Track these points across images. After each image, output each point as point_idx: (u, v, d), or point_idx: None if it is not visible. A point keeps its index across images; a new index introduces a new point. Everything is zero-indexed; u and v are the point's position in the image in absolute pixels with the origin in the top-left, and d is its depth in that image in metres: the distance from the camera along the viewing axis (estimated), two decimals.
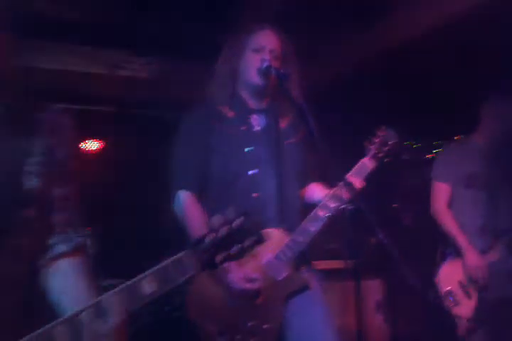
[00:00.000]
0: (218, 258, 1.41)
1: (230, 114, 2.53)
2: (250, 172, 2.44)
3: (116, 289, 1.36)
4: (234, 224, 1.41)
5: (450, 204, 3.49)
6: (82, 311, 1.34)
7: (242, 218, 1.42)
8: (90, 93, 4.04)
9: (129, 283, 1.37)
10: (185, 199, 2.43)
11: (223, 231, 1.40)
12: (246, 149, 2.47)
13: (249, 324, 2.28)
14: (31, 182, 1.53)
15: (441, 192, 3.50)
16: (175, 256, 1.40)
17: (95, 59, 4.02)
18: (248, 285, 2.25)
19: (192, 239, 1.44)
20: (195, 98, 2.63)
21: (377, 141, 2.47)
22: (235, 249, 1.41)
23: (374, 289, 4.20)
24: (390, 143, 2.48)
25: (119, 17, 3.67)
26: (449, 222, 3.42)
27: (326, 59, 4.09)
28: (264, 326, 2.29)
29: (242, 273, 2.26)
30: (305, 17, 3.60)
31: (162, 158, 2.58)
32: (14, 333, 1.39)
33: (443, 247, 3.47)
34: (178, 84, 4.09)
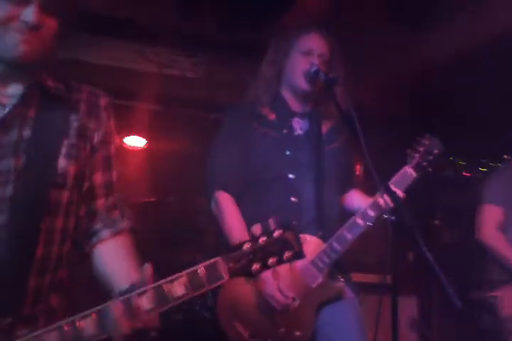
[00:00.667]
0: (254, 267, 1.38)
1: (272, 116, 2.50)
2: (290, 176, 2.41)
3: (145, 288, 1.34)
4: (274, 236, 1.39)
5: (503, 229, 3.30)
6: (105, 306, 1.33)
7: (282, 230, 1.39)
8: (137, 90, 4.08)
9: (159, 283, 1.36)
10: (223, 201, 2.41)
11: (262, 241, 1.38)
12: (287, 152, 2.44)
13: (281, 330, 2.25)
14: (66, 165, 1.52)
15: (491, 216, 3.31)
16: (209, 261, 1.38)
17: (144, 56, 4.07)
18: (282, 300, 2.22)
19: (229, 245, 1.42)
20: (239, 99, 2.62)
21: (421, 149, 2.40)
22: (272, 260, 1.39)
23: (409, 305, 4.10)
24: (434, 152, 2.40)
25: (170, 16, 3.70)
26: (502, 247, 3.25)
27: (374, 66, 4.02)
28: (296, 333, 2.26)
29: (277, 287, 2.23)
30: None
31: (204, 157, 2.58)
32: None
33: (491, 269, 3.33)
34: (225, 84, 4.10)
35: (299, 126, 2.52)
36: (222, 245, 2.43)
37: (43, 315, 1.46)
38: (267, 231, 1.39)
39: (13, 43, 1.42)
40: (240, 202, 2.43)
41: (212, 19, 3.57)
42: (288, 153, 2.44)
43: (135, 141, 4.85)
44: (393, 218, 2.04)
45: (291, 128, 2.50)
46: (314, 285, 2.27)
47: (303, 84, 2.43)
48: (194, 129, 4.52)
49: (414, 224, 1.91)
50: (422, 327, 4.11)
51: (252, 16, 3.49)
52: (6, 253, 1.40)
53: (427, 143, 2.40)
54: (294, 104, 2.54)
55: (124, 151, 4.71)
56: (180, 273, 1.36)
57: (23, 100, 1.50)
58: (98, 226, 1.62)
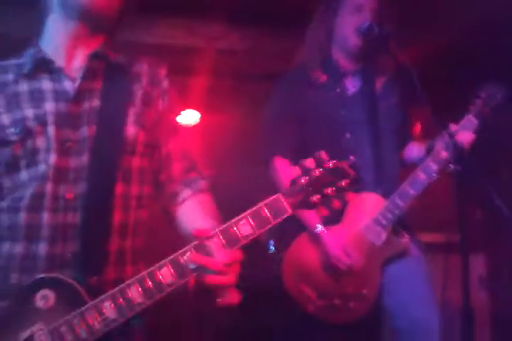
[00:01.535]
0: (314, 198, 1.39)
1: (323, 78, 2.48)
2: (347, 136, 2.39)
3: (214, 231, 1.39)
4: (326, 166, 1.39)
5: None
6: (182, 253, 1.38)
7: (334, 160, 1.40)
8: (187, 65, 4.11)
9: (225, 225, 1.39)
10: (280, 165, 2.43)
11: (316, 172, 1.39)
12: (342, 112, 2.42)
13: (348, 289, 2.27)
14: (135, 132, 1.58)
15: None
16: (270, 198, 1.40)
17: (193, 32, 4.08)
18: (345, 259, 2.23)
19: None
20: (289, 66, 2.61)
21: (483, 95, 2.33)
22: (330, 190, 1.39)
23: (477, 264, 4.03)
24: (498, 97, 2.31)
25: None
26: None
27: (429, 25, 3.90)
28: (363, 291, 2.27)
29: (340, 244, 2.23)
30: None
31: (258, 128, 2.59)
32: None
33: None
34: (275, 55, 4.06)
35: (351, 84, 2.49)
36: None
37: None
38: (320, 163, 1.39)
39: None
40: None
41: None
42: (343, 112, 2.42)
43: (189, 116, 4.91)
44: (458, 168, 1.99)
45: (344, 88, 2.47)
46: (379, 243, 2.27)
47: (356, 40, 2.39)
48: (247, 101, 4.52)
49: (482, 174, 1.86)
50: (492, 285, 4.03)
51: None
52: (88, 218, 1.47)
53: (489, 88, 2.32)
54: (345, 63, 2.50)
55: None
56: (244, 214, 1.39)
57: (90, 73, 1.57)
58: (179, 187, 1.67)
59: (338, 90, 2.45)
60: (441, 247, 3.38)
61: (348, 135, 2.39)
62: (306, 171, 1.39)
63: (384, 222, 2.27)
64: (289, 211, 1.39)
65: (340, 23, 2.45)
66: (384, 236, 2.27)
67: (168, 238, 1.71)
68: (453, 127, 2.27)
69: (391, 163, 2.44)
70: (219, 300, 1.42)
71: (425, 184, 2.27)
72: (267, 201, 1.39)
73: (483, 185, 1.85)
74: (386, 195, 2.31)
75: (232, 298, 1.41)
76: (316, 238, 2.29)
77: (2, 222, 1.50)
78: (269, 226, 1.39)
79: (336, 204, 1.41)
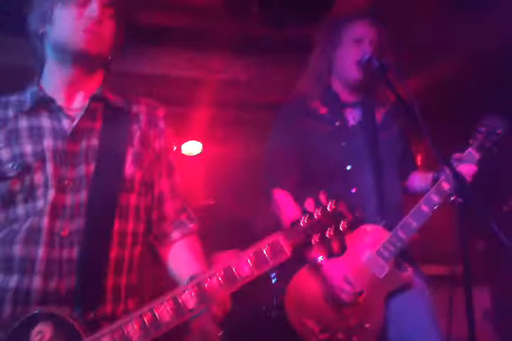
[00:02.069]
0: (314, 240, 1.44)
1: (323, 109, 2.49)
2: (348, 168, 2.39)
3: (215, 270, 1.41)
4: (328, 207, 1.44)
5: None
6: (184, 291, 1.40)
7: (334, 201, 1.45)
8: (190, 96, 4.15)
9: (224, 265, 1.42)
10: (280, 198, 2.43)
11: (318, 213, 1.44)
12: (342, 144, 2.42)
13: (351, 322, 2.23)
14: (133, 171, 1.62)
15: None
16: (270, 239, 1.43)
17: (195, 63, 4.14)
18: (348, 289, 2.21)
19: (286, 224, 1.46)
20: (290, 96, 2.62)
21: (483, 129, 2.34)
22: (329, 232, 1.44)
23: (481, 296, 3.97)
24: (498, 132, 2.33)
25: (218, 21, 3.75)
26: None
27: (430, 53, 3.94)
28: (366, 325, 2.23)
29: (342, 274, 2.21)
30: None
31: (260, 158, 2.60)
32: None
33: None
34: (277, 85, 4.11)
35: (351, 116, 2.50)
36: None
37: (123, 315, 1.51)
38: (319, 205, 1.45)
39: (80, 41, 1.57)
40: (299, 197, 2.42)
41: (260, 20, 3.59)
42: (343, 144, 2.42)
43: (192, 147, 4.93)
44: (460, 200, 1.98)
45: (344, 120, 2.48)
46: (381, 276, 2.25)
47: (356, 73, 2.41)
48: (249, 131, 4.55)
49: (483, 205, 1.85)
50: (497, 318, 3.97)
51: (300, 15, 3.50)
52: (85, 254, 1.48)
53: (489, 123, 2.34)
54: (345, 95, 2.52)
55: (182, 158, 4.79)
56: (244, 254, 1.42)
57: (89, 113, 1.63)
58: (169, 228, 1.71)
59: (338, 122, 2.46)
60: (445, 280, 3.34)
61: (349, 166, 2.39)
62: (306, 213, 1.44)
63: (386, 254, 2.25)
64: (288, 253, 1.43)
65: (340, 55, 2.47)
66: (386, 268, 2.25)
67: (152, 274, 1.73)
68: (454, 160, 2.28)
69: (393, 193, 2.42)
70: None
71: (427, 216, 2.26)
72: (267, 242, 1.43)
73: (485, 217, 1.84)
74: (389, 225, 2.30)
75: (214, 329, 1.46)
76: (317, 269, 2.27)
77: None
78: (268, 268, 1.42)
79: (335, 245, 1.46)
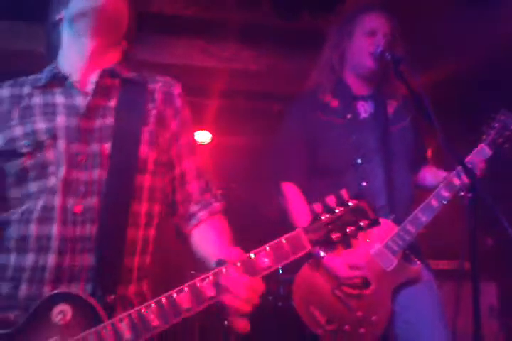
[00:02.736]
0: (334, 236, 1.42)
1: (334, 102, 2.48)
2: (358, 161, 2.39)
3: (235, 262, 1.40)
4: (350, 205, 1.43)
5: None
6: (203, 279, 1.39)
7: (357, 200, 1.43)
8: (202, 85, 4.15)
9: (246, 256, 1.41)
10: (288, 191, 2.43)
11: (339, 211, 1.42)
12: (352, 137, 2.41)
13: (358, 314, 2.24)
14: (148, 151, 1.59)
15: None
16: (290, 233, 1.43)
17: (207, 52, 4.13)
18: (352, 273, 2.22)
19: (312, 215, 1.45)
20: (301, 88, 2.61)
21: (496, 125, 2.33)
22: (350, 229, 1.43)
23: (488, 292, 3.97)
24: (511, 127, 2.32)
25: (229, 10, 3.74)
26: None
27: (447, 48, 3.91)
28: (373, 317, 2.24)
29: (345, 260, 2.22)
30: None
31: (268, 149, 2.60)
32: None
33: None
34: (288, 75, 4.10)
35: (363, 109, 2.49)
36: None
37: (135, 298, 1.53)
38: (341, 202, 1.43)
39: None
40: (309, 190, 2.43)
41: (272, 9, 3.58)
42: (354, 137, 2.41)
43: (202, 136, 4.93)
44: (470, 195, 1.97)
45: (355, 113, 2.47)
46: (389, 269, 2.25)
47: (370, 65, 2.39)
48: (259, 121, 4.55)
49: (493, 200, 1.85)
50: (503, 314, 3.97)
51: (313, 5, 3.48)
52: (101, 234, 1.47)
53: (502, 118, 2.33)
54: (357, 87, 2.51)
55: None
56: (264, 246, 1.41)
57: (102, 90, 1.60)
58: (195, 208, 1.67)
59: (349, 115, 2.45)
60: (452, 274, 3.34)
61: (359, 160, 2.38)
62: (327, 209, 1.43)
63: (395, 247, 2.25)
64: (308, 247, 1.42)
65: (353, 47, 2.46)
66: (395, 262, 2.25)
67: (175, 256, 1.72)
68: (466, 155, 2.28)
69: (404, 186, 2.41)
70: (227, 322, 1.43)
71: (436, 210, 2.26)
72: (287, 236, 1.42)
73: (494, 213, 1.83)
74: (398, 218, 2.30)
75: (242, 326, 1.41)
76: (318, 263, 2.28)
77: (10, 234, 1.50)
78: (288, 261, 1.41)
79: (353, 243, 1.45)
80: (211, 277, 1.38)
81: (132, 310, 1.36)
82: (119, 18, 1.63)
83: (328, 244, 1.43)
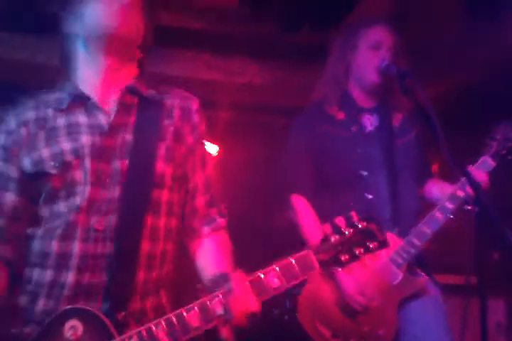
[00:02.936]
0: (343, 258, 1.45)
1: (340, 115, 2.48)
2: (363, 174, 2.38)
3: (245, 281, 1.43)
4: (359, 227, 1.46)
5: None
6: (212, 298, 1.42)
7: (366, 221, 1.47)
8: (207, 99, 4.16)
9: (255, 275, 1.43)
10: (297, 204, 2.43)
11: (349, 232, 1.45)
12: (358, 150, 2.42)
13: (364, 329, 2.23)
14: (164, 166, 1.61)
15: None
16: (299, 253, 1.45)
17: (213, 65, 4.16)
18: (359, 298, 2.21)
19: (319, 238, 1.48)
20: (307, 102, 2.62)
21: (498, 137, 2.32)
22: (359, 250, 1.45)
23: (495, 309, 3.92)
24: None
25: (236, 24, 3.77)
26: None
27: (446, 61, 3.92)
28: (379, 331, 2.23)
29: (356, 285, 2.22)
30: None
31: (275, 162, 2.60)
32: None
33: None
34: (293, 89, 4.11)
35: (369, 122, 2.49)
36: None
37: (152, 310, 1.55)
38: (350, 223, 1.46)
39: (110, 16, 1.58)
40: (315, 202, 2.43)
41: (277, 24, 3.60)
42: (359, 150, 2.42)
43: (208, 149, 4.93)
44: (476, 209, 1.96)
45: (361, 126, 2.48)
46: (395, 283, 2.24)
47: (375, 78, 2.40)
48: (264, 135, 4.55)
49: (498, 214, 1.83)
50: (510, 331, 3.92)
51: (319, 19, 3.50)
52: (117, 250, 1.50)
53: (504, 129, 2.32)
54: (363, 100, 2.52)
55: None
56: (273, 266, 1.44)
57: (123, 107, 1.63)
58: (198, 223, 1.71)
59: (354, 128, 2.45)
60: (460, 289, 3.30)
61: (364, 173, 2.38)
62: (337, 230, 1.46)
63: (400, 260, 2.24)
64: (317, 268, 1.45)
65: (358, 60, 2.46)
66: (400, 275, 2.24)
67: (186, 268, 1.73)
68: (469, 167, 2.27)
69: (409, 199, 2.41)
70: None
71: (441, 223, 2.25)
72: (296, 256, 1.45)
73: (500, 227, 1.81)
74: (404, 232, 2.29)
75: (226, 334, 1.42)
76: (331, 277, 2.26)
77: (33, 248, 1.54)
78: (297, 282, 1.44)
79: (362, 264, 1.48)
80: (221, 296, 1.41)
81: (142, 328, 1.38)
82: (134, 37, 1.65)
83: (336, 265, 1.46)
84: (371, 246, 1.45)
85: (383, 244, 1.46)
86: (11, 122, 1.62)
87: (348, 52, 2.48)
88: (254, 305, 1.40)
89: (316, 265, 1.44)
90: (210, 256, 1.67)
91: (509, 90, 3.70)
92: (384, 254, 2.24)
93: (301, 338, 2.29)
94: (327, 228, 1.45)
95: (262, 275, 1.43)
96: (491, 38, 3.58)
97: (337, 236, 1.45)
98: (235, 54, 4.07)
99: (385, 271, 2.24)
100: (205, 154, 1.76)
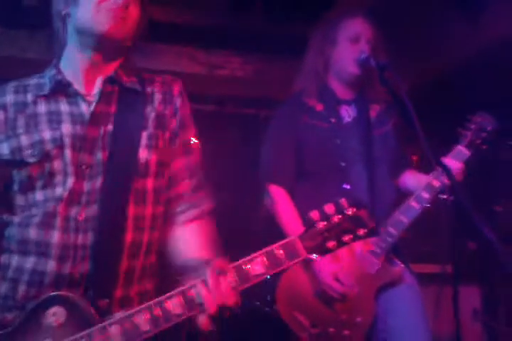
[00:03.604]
0: (330, 244, 1.43)
1: (319, 106, 2.51)
2: (342, 164, 2.42)
3: (227, 268, 1.42)
4: (348, 213, 1.43)
5: None
6: (192, 287, 1.42)
7: (355, 208, 1.43)
8: (190, 92, 4.17)
9: (238, 262, 1.43)
10: (276, 194, 2.46)
11: (337, 218, 1.42)
12: (337, 141, 2.45)
13: (342, 317, 2.26)
14: (148, 154, 1.60)
15: None
16: (285, 240, 1.43)
17: (195, 59, 4.16)
18: (336, 285, 2.24)
19: (304, 223, 1.45)
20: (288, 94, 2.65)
21: (473, 127, 2.35)
22: (347, 237, 1.42)
23: (470, 295, 4.00)
24: (488, 129, 2.34)
25: (218, 18, 3.78)
26: None
27: (425, 52, 3.97)
28: (357, 319, 2.26)
29: (332, 272, 2.25)
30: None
31: (259, 155, 2.62)
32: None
33: None
34: (275, 82, 4.13)
35: (347, 113, 2.53)
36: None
37: (137, 297, 1.56)
38: (339, 210, 1.42)
39: (104, 21, 1.54)
40: (294, 193, 2.47)
41: (259, 17, 3.62)
42: (338, 141, 2.45)
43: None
44: (450, 198, 2.01)
45: (339, 117, 2.51)
46: (372, 272, 2.28)
47: (354, 70, 2.43)
48: (246, 128, 4.57)
49: (471, 203, 1.87)
50: (487, 317, 4.00)
51: (301, 12, 3.52)
52: (99, 241, 1.50)
53: (479, 120, 2.35)
54: (341, 92, 2.54)
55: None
56: (258, 253, 1.42)
57: (105, 97, 1.61)
58: (184, 206, 1.69)
59: (333, 120, 2.48)
60: (435, 278, 3.37)
61: (343, 163, 2.42)
62: (325, 216, 1.42)
63: (377, 250, 2.28)
64: (303, 255, 1.42)
65: (337, 53, 2.49)
66: (378, 264, 2.28)
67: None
68: (444, 157, 2.31)
69: (385, 190, 2.45)
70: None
71: (418, 212, 2.29)
72: (282, 243, 1.42)
73: (475, 216, 1.86)
74: (380, 222, 2.32)
75: (204, 324, 1.41)
76: (308, 265, 2.30)
77: (13, 236, 1.53)
78: (281, 268, 1.41)
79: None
80: (198, 285, 1.40)
81: (123, 315, 1.39)
82: (126, 37, 1.63)
83: (323, 252, 1.43)
84: (360, 233, 1.42)
85: (372, 231, 1.43)
86: None
87: (328, 45, 2.50)
88: (229, 297, 1.39)
89: (303, 252, 1.42)
90: (191, 241, 1.65)
91: (486, 80, 3.77)
92: (361, 243, 2.29)
93: (282, 329, 2.32)
94: (315, 214, 1.42)
95: (247, 262, 1.41)
96: (469, 29, 3.64)
97: (324, 223, 1.41)
98: (216, 48, 4.07)
99: (362, 260, 2.28)
100: (188, 139, 1.72)
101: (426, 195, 2.29)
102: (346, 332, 2.25)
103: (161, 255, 1.67)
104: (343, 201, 1.42)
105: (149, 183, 1.60)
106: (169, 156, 1.66)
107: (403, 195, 2.50)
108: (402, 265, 2.35)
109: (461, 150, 2.35)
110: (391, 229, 2.28)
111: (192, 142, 1.74)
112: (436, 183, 2.28)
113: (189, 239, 1.66)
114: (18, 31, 3.76)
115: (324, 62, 2.53)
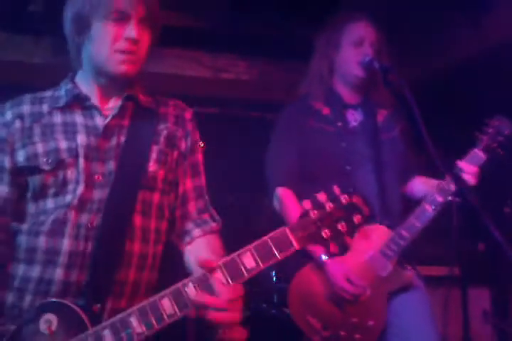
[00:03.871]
0: (323, 233, 1.37)
1: (325, 110, 2.51)
2: (347, 168, 2.41)
3: (217, 265, 1.40)
4: (341, 201, 1.37)
5: None
6: (187, 283, 1.40)
7: (348, 193, 1.37)
8: (195, 95, 4.17)
9: (228, 257, 1.40)
10: (284, 196, 2.45)
11: (329, 207, 1.37)
12: (342, 145, 2.44)
13: (354, 320, 2.25)
14: (156, 169, 1.64)
15: None
16: (275, 232, 1.39)
17: (200, 63, 4.17)
18: (349, 288, 2.23)
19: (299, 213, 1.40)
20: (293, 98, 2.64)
21: (490, 131, 2.33)
22: (342, 225, 1.37)
23: (480, 297, 3.99)
24: (505, 133, 2.31)
25: (224, 22, 3.78)
26: None
27: (428, 54, 3.96)
28: (369, 322, 2.25)
29: (344, 273, 2.24)
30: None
31: (264, 158, 2.62)
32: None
33: None
34: (281, 85, 4.13)
35: (353, 117, 2.52)
36: None
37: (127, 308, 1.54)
38: (332, 198, 1.37)
39: (118, 62, 1.59)
40: (300, 196, 2.45)
41: (264, 20, 3.62)
42: (343, 145, 2.44)
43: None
44: (458, 200, 1.99)
45: (345, 121, 2.50)
46: (385, 275, 2.27)
47: (359, 73, 2.43)
48: (251, 131, 4.57)
49: (480, 205, 1.86)
50: (497, 319, 3.98)
51: (306, 16, 3.52)
52: (99, 248, 1.51)
53: (496, 124, 2.33)
54: (347, 96, 2.54)
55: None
56: (248, 247, 1.38)
57: (120, 111, 1.66)
58: (190, 226, 1.72)
59: (339, 124, 2.48)
60: (443, 281, 3.35)
61: (348, 167, 2.41)
62: (317, 205, 1.37)
63: (390, 253, 2.26)
64: (296, 246, 1.37)
65: (341, 57, 2.49)
66: (390, 267, 2.27)
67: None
68: (459, 161, 2.30)
69: (394, 195, 2.44)
70: (221, 333, 1.42)
71: (431, 216, 2.26)
72: (272, 234, 1.38)
73: (484, 219, 1.84)
74: (392, 226, 2.31)
75: (238, 335, 1.40)
76: (321, 267, 2.29)
77: (20, 244, 1.55)
78: (274, 261, 1.37)
79: (346, 240, 1.39)
80: (191, 284, 1.39)
81: (115, 318, 1.38)
82: (140, 70, 1.66)
83: (318, 242, 1.37)
84: (355, 220, 1.35)
85: (368, 218, 1.36)
86: (7, 115, 1.64)
87: (332, 49, 2.51)
88: (220, 294, 1.36)
89: (295, 242, 1.35)
90: (201, 253, 1.66)
91: (487, 81, 3.77)
92: (374, 246, 2.28)
93: (291, 332, 2.31)
94: (307, 204, 1.36)
95: (237, 257, 1.37)
96: (469, 29, 3.63)
97: (317, 212, 1.35)
98: (222, 51, 4.07)
99: (374, 263, 2.27)
100: (197, 162, 1.77)
101: (439, 198, 2.26)
102: (357, 336, 2.24)
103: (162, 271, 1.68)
104: (335, 188, 1.37)
105: (155, 197, 1.64)
106: (175, 175, 1.71)
107: (410, 201, 2.48)
108: (412, 269, 2.35)
109: (477, 153, 2.32)
110: (404, 232, 2.26)
111: (200, 164, 1.79)
112: (451, 187, 2.24)
113: (195, 253, 1.68)
114: (23, 37, 3.79)
115: (329, 66, 2.53)
